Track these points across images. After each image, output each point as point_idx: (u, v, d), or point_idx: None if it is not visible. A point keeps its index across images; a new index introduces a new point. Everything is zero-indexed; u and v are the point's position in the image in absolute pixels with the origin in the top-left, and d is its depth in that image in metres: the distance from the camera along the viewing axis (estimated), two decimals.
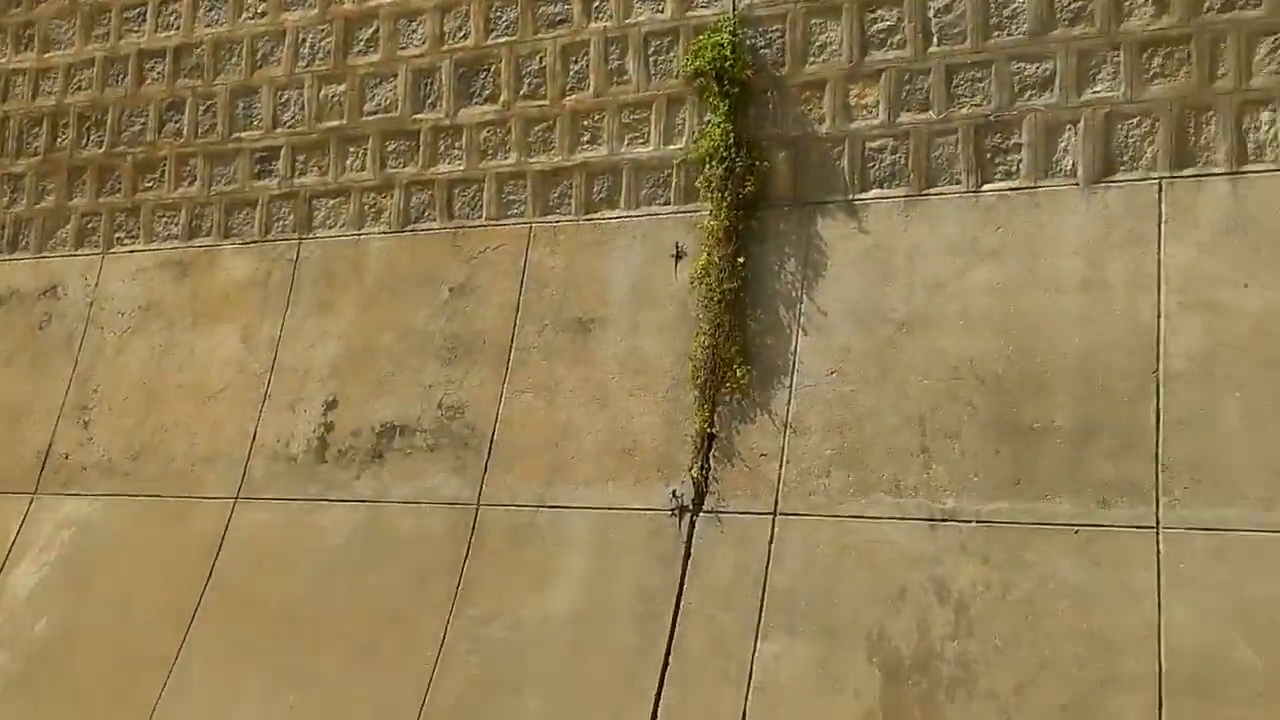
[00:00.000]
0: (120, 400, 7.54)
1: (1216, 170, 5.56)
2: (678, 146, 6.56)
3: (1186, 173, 5.61)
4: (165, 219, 7.86)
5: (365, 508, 6.63)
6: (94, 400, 7.61)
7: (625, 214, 6.63)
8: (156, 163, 7.93)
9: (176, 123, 7.90)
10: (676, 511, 5.97)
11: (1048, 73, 5.89)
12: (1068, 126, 5.83)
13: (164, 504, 7.14)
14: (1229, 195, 5.51)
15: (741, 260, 6.18)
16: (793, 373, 6.03)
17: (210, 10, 7.84)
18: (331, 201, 7.39)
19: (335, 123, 7.43)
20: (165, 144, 7.91)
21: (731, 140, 6.28)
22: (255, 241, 7.56)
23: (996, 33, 5.99)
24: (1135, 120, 5.71)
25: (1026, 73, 5.93)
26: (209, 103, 7.82)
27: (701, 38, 6.47)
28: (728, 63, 6.34)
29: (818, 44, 6.33)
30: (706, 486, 5.98)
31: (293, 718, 6.15)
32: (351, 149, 7.37)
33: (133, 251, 7.92)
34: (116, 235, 7.98)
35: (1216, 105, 5.58)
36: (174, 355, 7.53)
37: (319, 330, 7.17)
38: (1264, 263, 5.37)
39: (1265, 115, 5.50)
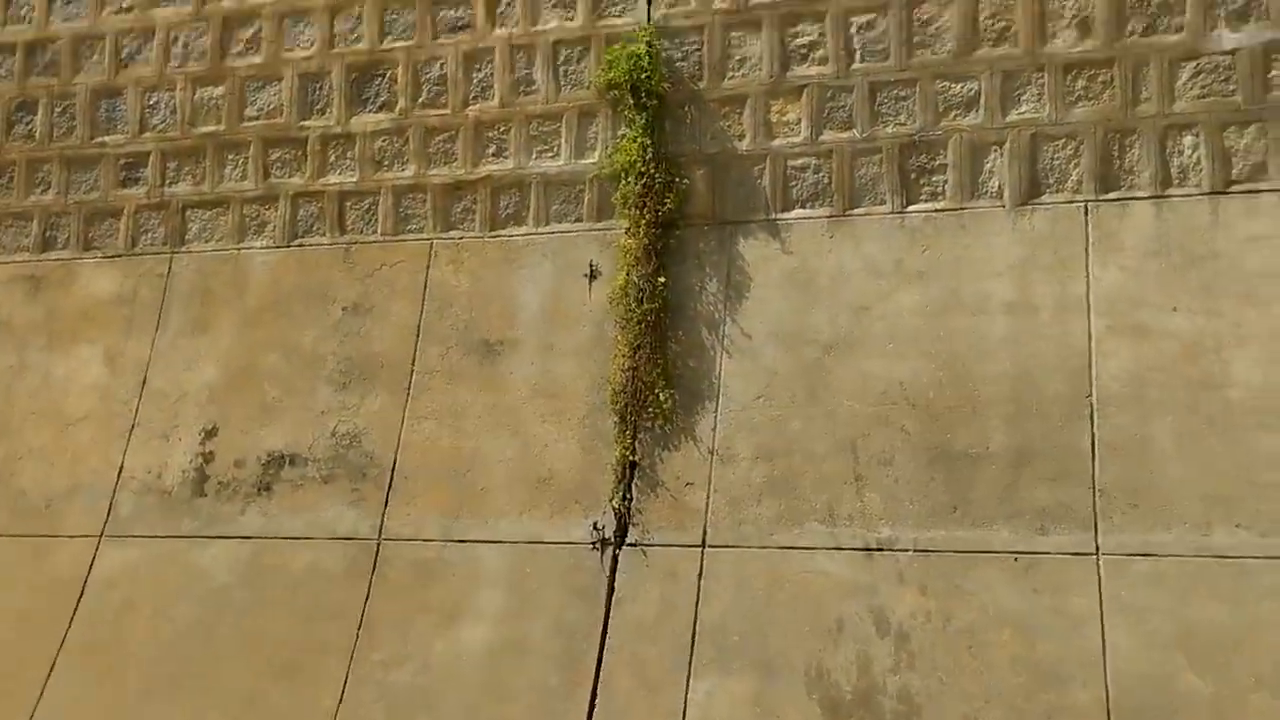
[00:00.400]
0: None
1: (1141, 193, 5.57)
2: (590, 161, 6.27)
3: (1111, 195, 5.60)
4: (14, 229, 7.16)
5: (251, 544, 6.12)
6: None
7: (534, 231, 6.30)
8: (4, 167, 7.23)
9: (28, 124, 7.21)
10: (598, 544, 5.66)
11: (973, 92, 5.82)
12: (993, 147, 5.77)
13: (15, 544, 6.50)
14: (1153, 219, 5.53)
15: (662, 280, 5.92)
16: (718, 397, 5.79)
17: (69, 3, 7.18)
18: (208, 213, 6.83)
19: (212, 128, 6.88)
20: (14, 147, 7.23)
21: (650, 155, 6.03)
22: (120, 255, 6.94)
23: (920, 50, 5.90)
24: (1060, 142, 5.68)
25: (951, 92, 5.85)
26: (66, 103, 7.17)
27: (616, 48, 6.20)
28: (644, 74, 6.09)
29: (737, 58, 6.14)
30: (629, 518, 5.68)
31: None
32: (231, 156, 6.83)
33: None
34: None
35: (1140, 128, 5.60)
36: (26, 379, 6.85)
37: (194, 352, 6.61)
38: (1189, 286, 5.39)
39: (1188, 139, 5.53)
